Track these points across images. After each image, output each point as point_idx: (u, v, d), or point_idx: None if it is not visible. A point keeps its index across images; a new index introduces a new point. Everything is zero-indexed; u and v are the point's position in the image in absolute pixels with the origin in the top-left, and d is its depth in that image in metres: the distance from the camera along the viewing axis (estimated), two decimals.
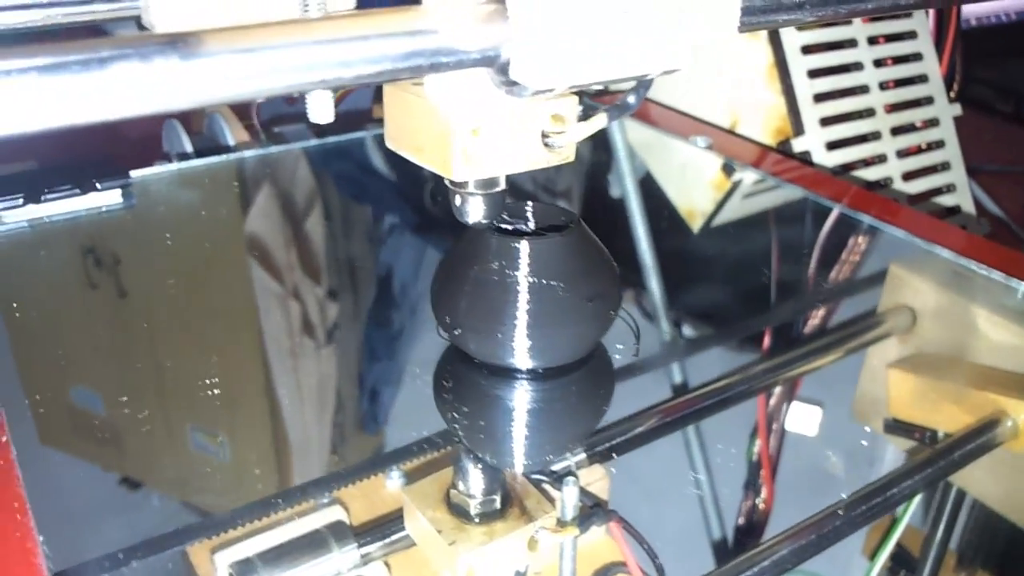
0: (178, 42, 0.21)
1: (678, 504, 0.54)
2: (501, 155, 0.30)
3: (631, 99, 0.31)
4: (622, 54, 0.25)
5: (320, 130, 0.82)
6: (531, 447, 0.36)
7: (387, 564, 0.37)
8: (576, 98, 0.31)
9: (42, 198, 0.64)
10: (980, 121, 0.99)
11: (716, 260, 0.77)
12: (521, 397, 0.36)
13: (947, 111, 0.87)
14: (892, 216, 0.64)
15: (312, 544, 0.35)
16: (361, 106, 0.86)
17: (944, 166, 0.85)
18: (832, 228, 0.69)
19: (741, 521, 0.57)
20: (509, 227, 0.36)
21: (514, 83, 0.26)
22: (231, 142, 0.75)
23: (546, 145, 0.31)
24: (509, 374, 0.36)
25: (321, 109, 0.27)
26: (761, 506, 0.57)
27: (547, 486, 0.37)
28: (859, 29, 0.84)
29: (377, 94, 0.87)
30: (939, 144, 0.86)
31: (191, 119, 0.81)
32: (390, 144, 0.32)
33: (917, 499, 0.48)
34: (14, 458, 0.37)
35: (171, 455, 0.50)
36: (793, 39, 0.81)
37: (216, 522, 0.39)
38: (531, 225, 0.37)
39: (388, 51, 0.23)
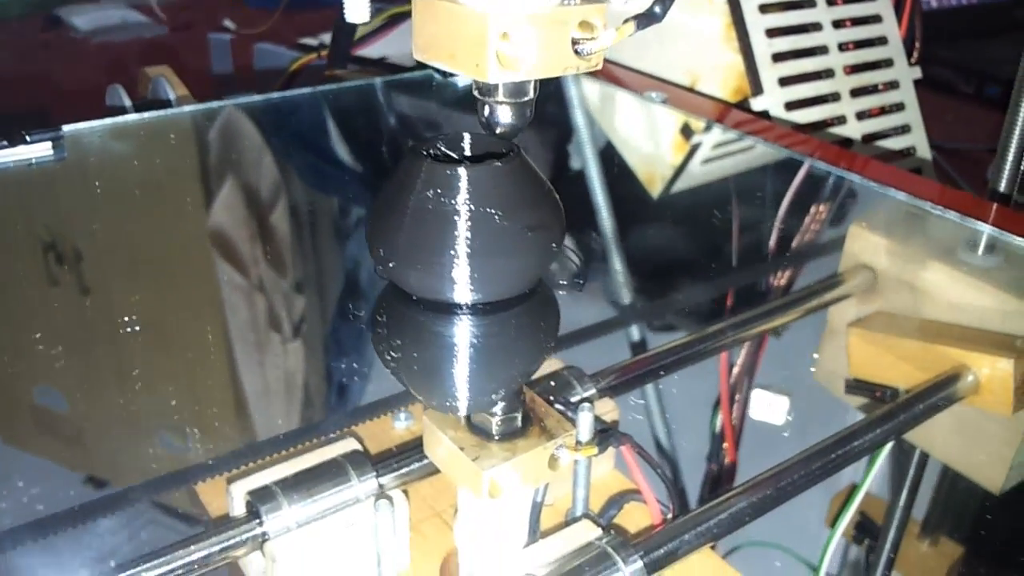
0: None
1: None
2: (533, 59, 0.32)
3: (657, 9, 0.33)
4: None
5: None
6: (472, 386, 0.36)
7: (405, 493, 0.38)
8: (604, 7, 0.33)
9: None
10: (941, 101, 1.04)
11: (680, 222, 0.79)
12: (460, 333, 0.35)
13: (907, 74, 0.91)
14: (861, 169, 0.67)
15: (331, 472, 0.37)
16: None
17: (904, 128, 0.89)
18: (798, 185, 0.72)
19: (705, 477, 0.59)
20: (446, 156, 0.36)
21: None
22: (172, 98, 0.75)
23: (576, 52, 0.33)
24: (447, 309, 0.35)
25: (358, 7, 0.29)
26: (725, 465, 0.59)
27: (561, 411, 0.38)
28: None
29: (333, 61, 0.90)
30: (899, 107, 0.90)
31: (136, 85, 0.81)
32: (419, 56, 0.34)
33: (878, 465, 0.50)
34: None
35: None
36: None
37: (225, 459, 0.40)
38: (468, 154, 0.37)
39: None
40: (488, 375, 0.36)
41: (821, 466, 0.43)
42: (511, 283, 0.36)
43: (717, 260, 0.72)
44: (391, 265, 0.35)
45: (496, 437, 0.36)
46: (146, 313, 0.56)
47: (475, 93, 0.34)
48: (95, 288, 0.62)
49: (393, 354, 0.36)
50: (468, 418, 0.37)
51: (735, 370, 0.62)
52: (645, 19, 0.33)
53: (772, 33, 0.85)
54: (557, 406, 0.38)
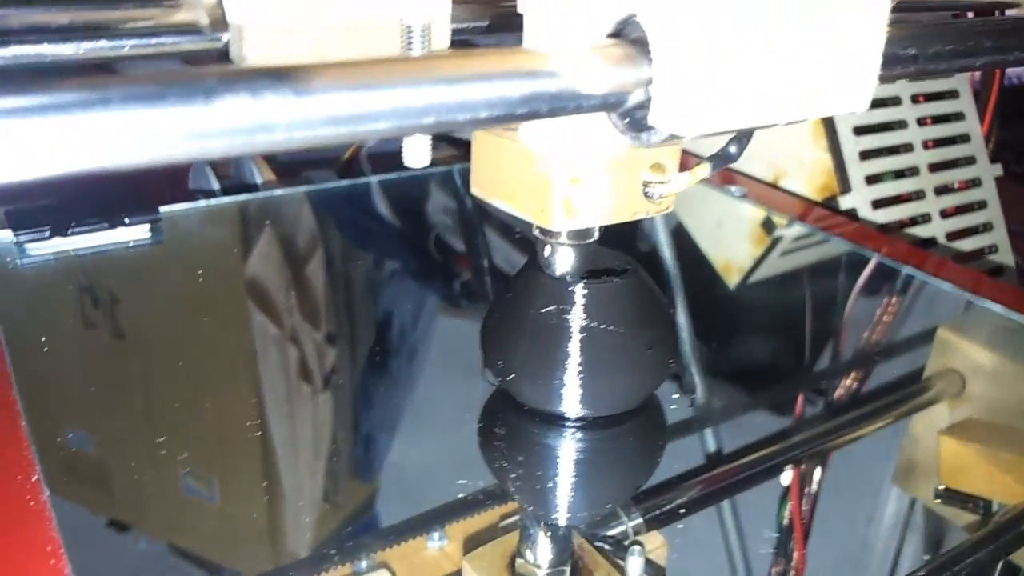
0: (287, 76, 0.20)
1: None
2: (601, 205, 0.29)
3: (732, 149, 0.30)
4: (772, 99, 0.24)
5: (346, 174, 0.81)
6: (584, 498, 0.35)
7: None
8: (678, 148, 0.30)
9: (69, 231, 0.64)
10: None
11: (756, 317, 0.75)
12: (576, 446, 0.34)
13: (988, 171, 0.87)
14: (941, 273, 0.63)
15: None
16: (389, 148, 0.86)
17: (986, 227, 0.85)
18: (880, 286, 0.68)
19: None
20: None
21: (643, 128, 0.24)
22: (259, 182, 0.74)
23: (646, 195, 0.30)
24: (563, 422, 0.34)
25: (418, 153, 0.26)
26: (792, 573, 0.55)
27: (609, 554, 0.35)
28: (902, 87, 0.84)
29: None
30: (981, 204, 0.85)
31: (218, 164, 0.80)
32: (476, 192, 0.31)
33: None
34: (47, 499, 0.35)
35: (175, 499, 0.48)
36: None
37: None
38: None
39: (508, 93, 0.22)
40: (601, 487, 0.35)
41: None
42: (629, 399, 0.35)
43: (797, 364, 0.68)
44: (509, 378, 0.34)
45: None
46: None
47: (535, 232, 0.31)
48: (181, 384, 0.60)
49: (504, 463, 0.35)
50: (512, 567, 0.33)
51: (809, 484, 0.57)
52: (720, 160, 0.30)
53: (859, 131, 0.81)
54: (600, 544, 0.35)
